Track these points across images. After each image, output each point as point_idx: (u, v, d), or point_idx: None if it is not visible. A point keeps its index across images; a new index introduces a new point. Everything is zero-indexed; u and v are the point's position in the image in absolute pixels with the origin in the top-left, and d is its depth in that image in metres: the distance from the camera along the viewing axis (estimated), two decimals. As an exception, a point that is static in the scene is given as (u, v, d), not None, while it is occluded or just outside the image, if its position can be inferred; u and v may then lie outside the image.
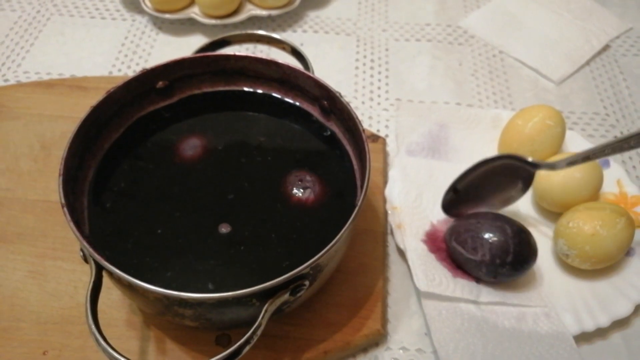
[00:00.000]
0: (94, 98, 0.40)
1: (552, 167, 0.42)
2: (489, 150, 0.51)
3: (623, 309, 0.41)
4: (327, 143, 0.43)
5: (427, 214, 0.47)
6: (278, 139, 0.44)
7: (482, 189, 0.45)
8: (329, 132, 0.43)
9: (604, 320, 0.41)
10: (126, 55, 0.62)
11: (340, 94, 0.41)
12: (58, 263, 0.43)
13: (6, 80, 0.58)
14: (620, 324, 0.42)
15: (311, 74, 0.43)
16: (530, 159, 0.43)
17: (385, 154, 0.52)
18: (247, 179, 0.41)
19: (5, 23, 0.65)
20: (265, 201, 0.40)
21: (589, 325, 0.40)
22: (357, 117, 0.39)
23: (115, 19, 0.66)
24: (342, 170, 0.42)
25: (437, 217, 0.47)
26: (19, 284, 0.42)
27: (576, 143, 0.51)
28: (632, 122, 0.57)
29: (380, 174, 0.50)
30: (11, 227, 0.45)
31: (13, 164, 0.49)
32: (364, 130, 0.39)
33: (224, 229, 0.38)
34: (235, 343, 0.31)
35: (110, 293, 0.41)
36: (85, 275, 0.42)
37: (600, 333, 0.41)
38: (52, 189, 0.47)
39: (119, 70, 0.60)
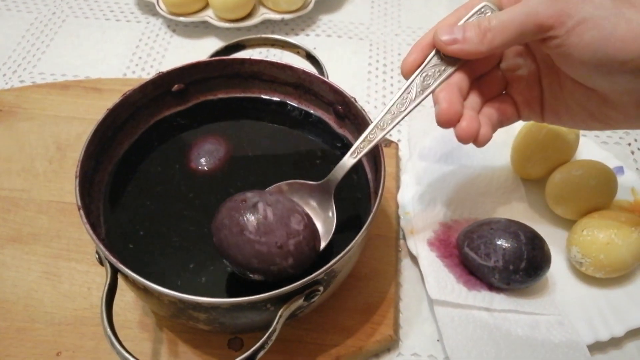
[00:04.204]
0: (109, 100, 0.41)
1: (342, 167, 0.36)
2: (502, 155, 0.51)
3: (638, 319, 0.41)
4: (342, 149, 0.43)
5: (439, 219, 0.47)
6: (292, 147, 0.44)
7: None
8: (344, 141, 0.44)
9: (618, 330, 0.40)
10: (140, 58, 0.62)
11: (355, 98, 0.41)
12: (72, 264, 0.43)
13: (22, 81, 0.59)
14: (635, 333, 0.41)
15: (326, 79, 0.43)
16: (313, 183, 0.37)
17: (397, 159, 0.52)
18: (263, 186, 0.41)
19: (21, 24, 0.65)
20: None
21: (604, 335, 0.40)
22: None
23: (130, 22, 0.67)
24: (356, 177, 0.42)
25: (449, 222, 0.47)
26: (34, 285, 0.42)
27: (590, 150, 0.50)
28: (647, 129, 0.57)
29: (393, 178, 0.50)
30: (26, 227, 0.45)
31: (29, 164, 0.49)
32: (378, 136, 0.39)
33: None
34: (248, 346, 0.31)
35: (123, 295, 0.41)
36: (98, 276, 0.43)
37: (615, 342, 0.41)
38: (67, 190, 0.48)
39: (133, 72, 0.61)
